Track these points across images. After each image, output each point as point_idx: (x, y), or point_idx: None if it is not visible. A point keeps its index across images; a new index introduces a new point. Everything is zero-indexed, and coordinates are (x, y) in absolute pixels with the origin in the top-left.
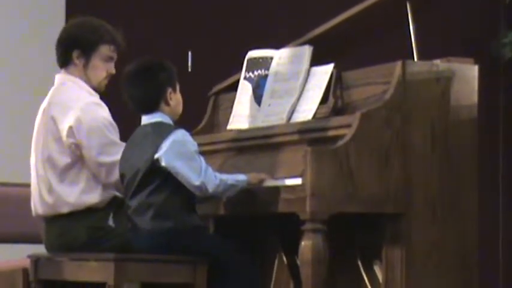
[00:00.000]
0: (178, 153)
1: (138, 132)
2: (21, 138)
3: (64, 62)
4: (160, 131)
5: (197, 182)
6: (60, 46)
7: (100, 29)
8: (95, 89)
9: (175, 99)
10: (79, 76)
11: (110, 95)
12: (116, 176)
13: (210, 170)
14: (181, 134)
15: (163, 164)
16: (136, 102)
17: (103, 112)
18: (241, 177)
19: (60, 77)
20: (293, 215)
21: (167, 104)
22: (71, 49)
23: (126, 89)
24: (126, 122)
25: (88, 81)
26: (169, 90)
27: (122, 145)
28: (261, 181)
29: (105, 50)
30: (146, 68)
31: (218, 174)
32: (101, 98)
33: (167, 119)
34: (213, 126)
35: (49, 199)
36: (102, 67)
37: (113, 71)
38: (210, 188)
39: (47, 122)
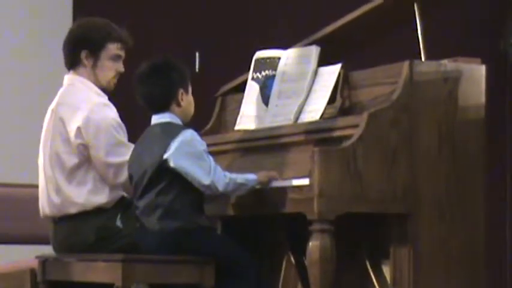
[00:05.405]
0: (187, 153)
1: (148, 132)
2: (30, 139)
3: (72, 63)
4: (169, 132)
5: (207, 181)
6: (67, 48)
7: (106, 27)
8: (104, 89)
9: (187, 100)
10: (88, 76)
11: (119, 95)
12: (123, 176)
13: (219, 168)
14: (189, 134)
15: (171, 165)
16: (147, 101)
17: (111, 113)
18: (251, 176)
19: (69, 77)
20: (300, 215)
21: (178, 104)
22: (79, 50)
23: (138, 87)
24: (134, 122)
25: (97, 81)
26: (181, 91)
27: (130, 146)
28: (272, 178)
29: (112, 48)
30: (159, 67)
31: (228, 173)
32: (110, 98)
33: (176, 120)
34: (220, 126)
35: (57, 200)
36: (111, 66)
37: (122, 69)
38: (220, 186)
39: (56, 122)
